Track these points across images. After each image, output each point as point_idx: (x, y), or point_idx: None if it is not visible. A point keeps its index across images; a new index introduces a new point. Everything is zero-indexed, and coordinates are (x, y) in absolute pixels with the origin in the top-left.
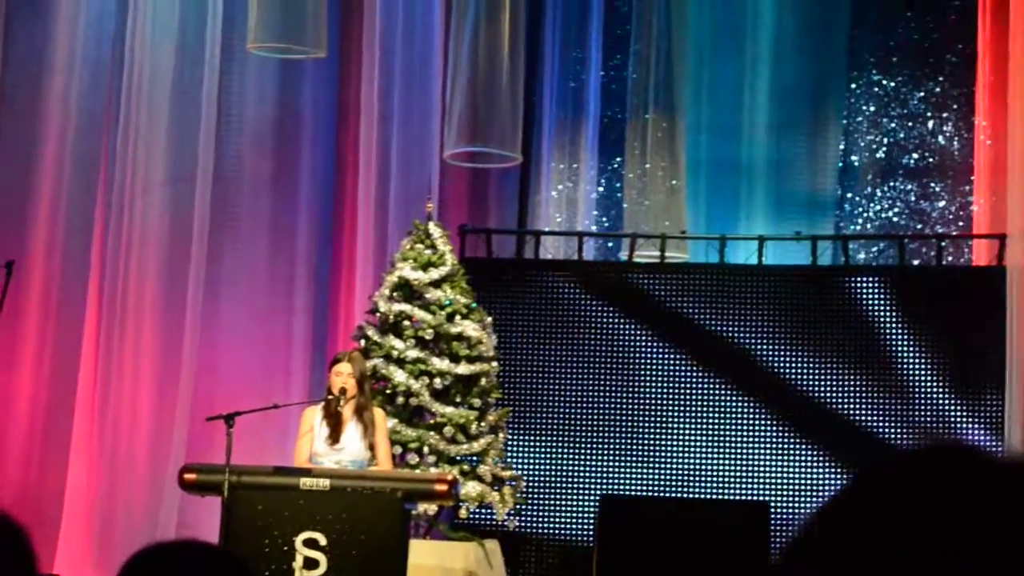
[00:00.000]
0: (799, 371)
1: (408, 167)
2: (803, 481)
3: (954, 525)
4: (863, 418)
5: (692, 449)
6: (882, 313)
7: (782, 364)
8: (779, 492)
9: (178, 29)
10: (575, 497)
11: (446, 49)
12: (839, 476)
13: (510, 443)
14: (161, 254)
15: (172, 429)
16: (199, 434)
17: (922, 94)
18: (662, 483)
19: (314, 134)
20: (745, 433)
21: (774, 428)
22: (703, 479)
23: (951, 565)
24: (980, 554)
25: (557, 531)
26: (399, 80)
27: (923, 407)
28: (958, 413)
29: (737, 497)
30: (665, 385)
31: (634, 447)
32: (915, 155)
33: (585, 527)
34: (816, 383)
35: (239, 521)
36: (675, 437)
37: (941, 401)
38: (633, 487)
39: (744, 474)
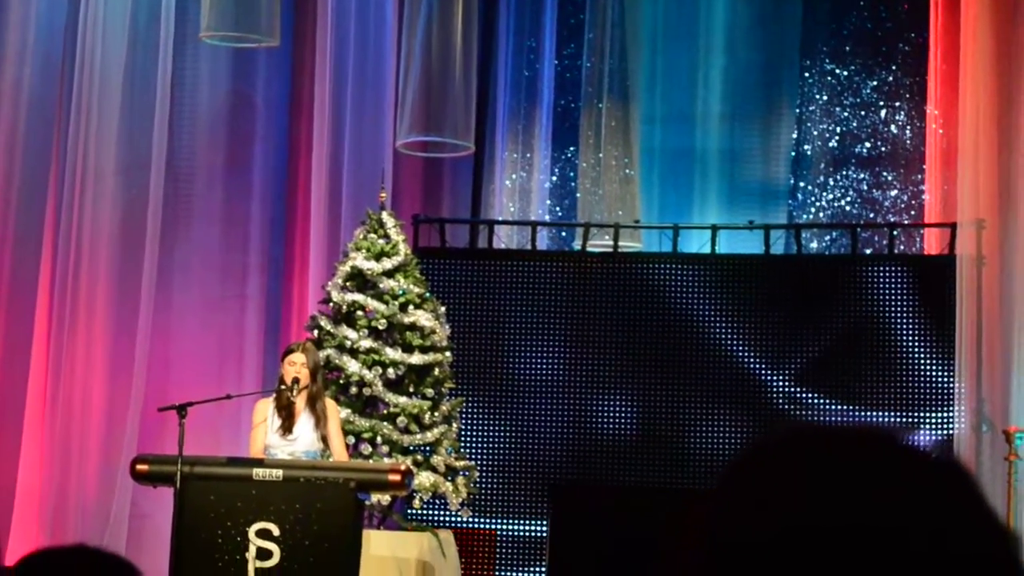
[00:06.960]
0: (752, 359)
1: (361, 156)
2: None
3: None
4: (817, 404)
5: (647, 437)
6: (834, 301)
7: (735, 352)
8: None
9: (130, 18)
10: (529, 487)
11: (399, 38)
12: None
13: (463, 433)
14: (113, 244)
15: (125, 419)
16: (152, 424)
17: (875, 83)
18: (617, 471)
19: (267, 123)
20: (699, 420)
21: (727, 415)
22: (658, 467)
23: None
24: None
25: (511, 521)
26: (352, 69)
27: (875, 393)
28: (909, 399)
29: (691, 485)
30: (619, 374)
31: (588, 436)
32: (867, 144)
33: (539, 516)
34: (769, 371)
35: (192, 512)
36: (630, 425)
37: (892, 387)
38: (587, 476)
39: (698, 461)
